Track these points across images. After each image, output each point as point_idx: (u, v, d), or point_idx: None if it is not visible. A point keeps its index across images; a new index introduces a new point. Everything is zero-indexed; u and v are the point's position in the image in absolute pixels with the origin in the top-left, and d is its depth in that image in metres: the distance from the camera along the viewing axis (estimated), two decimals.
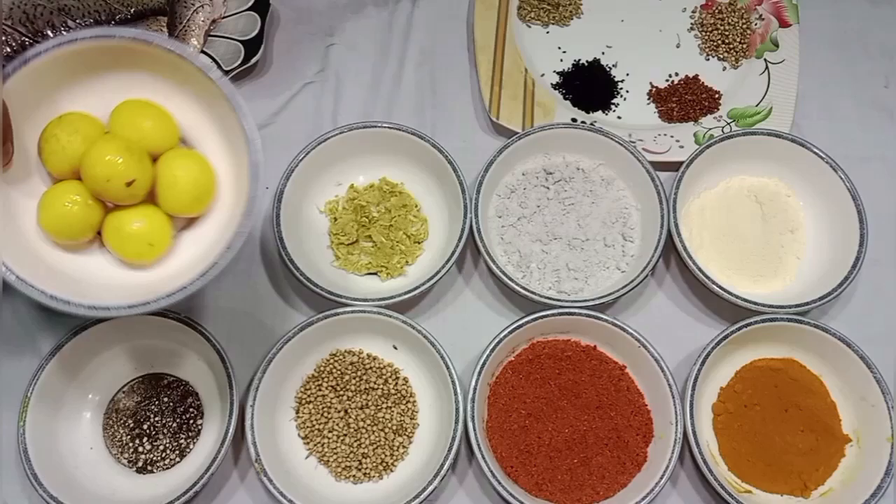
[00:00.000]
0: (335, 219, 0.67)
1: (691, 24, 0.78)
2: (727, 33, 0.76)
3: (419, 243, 0.66)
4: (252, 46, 0.71)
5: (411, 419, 0.60)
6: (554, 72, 0.75)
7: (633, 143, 0.67)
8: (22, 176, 0.45)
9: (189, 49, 0.46)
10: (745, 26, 0.76)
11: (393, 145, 0.67)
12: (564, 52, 0.76)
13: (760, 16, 0.76)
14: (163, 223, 0.46)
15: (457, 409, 0.56)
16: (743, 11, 0.76)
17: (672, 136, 0.70)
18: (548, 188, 0.67)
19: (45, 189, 0.46)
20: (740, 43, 0.75)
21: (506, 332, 0.58)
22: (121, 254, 0.47)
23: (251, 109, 0.71)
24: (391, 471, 0.59)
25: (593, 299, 0.61)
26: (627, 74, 0.75)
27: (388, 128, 0.66)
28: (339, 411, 0.60)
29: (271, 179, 0.65)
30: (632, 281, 0.61)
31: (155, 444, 0.59)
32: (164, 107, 0.47)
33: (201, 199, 0.47)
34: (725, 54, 0.75)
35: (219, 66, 0.71)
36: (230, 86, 0.46)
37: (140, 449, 0.59)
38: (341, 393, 0.60)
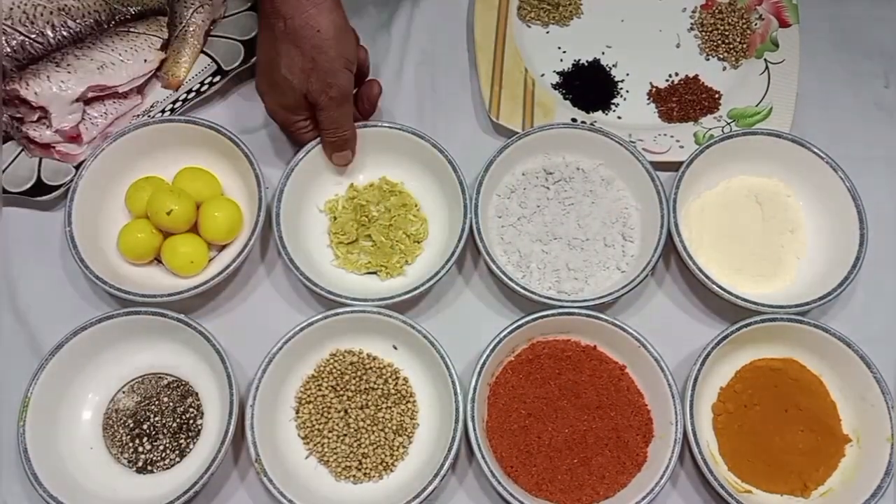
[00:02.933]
0: (335, 218, 0.66)
1: (691, 24, 0.78)
2: (727, 33, 0.76)
3: (419, 243, 0.66)
4: (252, 46, 0.71)
5: (411, 419, 0.60)
6: (554, 72, 0.75)
7: (633, 143, 0.67)
8: (112, 216, 0.67)
9: (235, 137, 0.66)
10: (745, 26, 0.76)
11: (393, 144, 0.67)
12: (564, 52, 0.76)
13: (760, 16, 0.76)
14: (202, 248, 0.64)
15: (457, 409, 0.56)
16: (743, 11, 0.76)
17: (672, 136, 0.70)
18: (548, 188, 0.67)
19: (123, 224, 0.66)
20: (740, 43, 0.75)
21: (506, 332, 0.58)
22: (172, 268, 0.63)
23: (251, 109, 0.73)
24: (391, 471, 0.59)
25: (593, 299, 0.61)
26: (627, 74, 0.75)
27: (389, 127, 0.66)
28: (339, 411, 0.60)
29: (271, 179, 0.65)
30: (632, 281, 0.61)
31: (155, 444, 0.59)
32: (210, 169, 0.67)
33: (232, 231, 0.64)
34: (725, 54, 0.75)
35: (219, 67, 0.71)
36: (250, 153, 0.65)
37: (140, 449, 0.59)
38: (341, 393, 0.60)
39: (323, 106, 0.61)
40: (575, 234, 0.65)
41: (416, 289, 0.60)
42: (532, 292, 0.61)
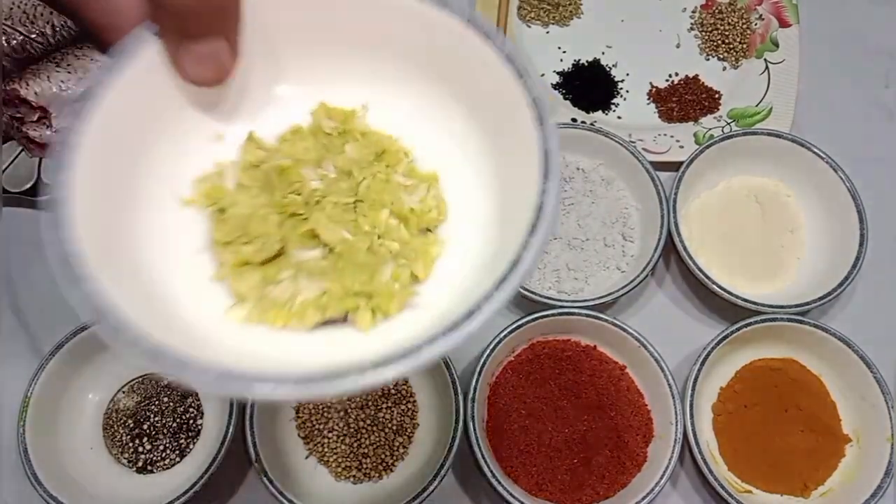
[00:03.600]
0: (221, 211, 0.31)
1: (691, 24, 0.78)
2: (727, 33, 0.76)
3: (431, 231, 0.32)
4: None
5: (411, 419, 0.60)
6: (554, 72, 0.75)
7: (633, 143, 0.68)
8: None
9: None
10: (745, 26, 0.76)
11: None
12: (564, 52, 0.76)
13: (760, 16, 0.76)
14: None
15: (457, 409, 0.56)
16: (743, 11, 0.76)
17: (672, 136, 0.70)
18: None
19: None
20: (740, 43, 0.75)
21: (506, 332, 0.58)
22: None
23: None
24: (391, 471, 0.59)
25: (593, 299, 0.61)
26: (627, 74, 0.75)
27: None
28: (338, 411, 0.60)
29: None
30: (632, 281, 0.61)
31: (155, 444, 0.59)
32: None
33: None
34: (725, 54, 0.75)
35: None
36: None
37: (140, 449, 0.59)
38: None
39: None
40: (575, 234, 0.65)
41: None
42: (532, 292, 0.61)
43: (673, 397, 0.57)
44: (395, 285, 0.30)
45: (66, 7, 0.28)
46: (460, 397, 0.57)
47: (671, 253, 0.66)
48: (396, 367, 0.24)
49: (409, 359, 0.24)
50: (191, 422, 0.60)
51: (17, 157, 0.67)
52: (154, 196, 0.30)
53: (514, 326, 0.59)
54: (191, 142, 0.31)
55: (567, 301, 0.61)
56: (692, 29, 0.78)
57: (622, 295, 0.61)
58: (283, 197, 0.30)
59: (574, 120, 0.71)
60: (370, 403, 0.60)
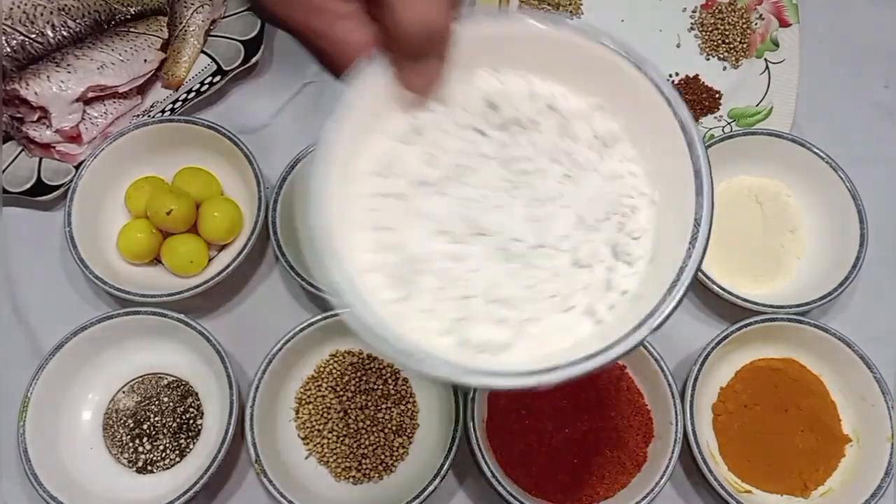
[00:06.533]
0: None
1: (691, 23, 0.78)
2: (727, 33, 0.76)
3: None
4: (252, 46, 0.71)
5: (411, 419, 0.60)
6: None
7: (668, 77, 0.42)
8: (112, 216, 0.65)
9: (235, 137, 0.64)
10: (745, 26, 0.76)
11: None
12: None
13: (760, 15, 0.76)
14: (202, 247, 0.63)
15: (457, 409, 0.56)
16: (743, 11, 0.76)
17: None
18: (485, 136, 0.37)
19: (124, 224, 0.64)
20: (740, 43, 0.75)
21: None
22: (171, 268, 0.63)
23: (251, 109, 0.73)
24: (391, 471, 0.59)
25: (522, 374, 0.31)
26: None
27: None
28: (338, 412, 0.60)
29: (271, 179, 0.65)
30: (611, 346, 0.32)
31: (155, 444, 0.59)
32: (210, 169, 0.66)
33: (232, 231, 0.64)
34: (725, 54, 0.75)
35: (219, 67, 0.71)
36: (250, 153, 0.64)
37: (140, 449, 0.59)
38: (341, 393, 0.60)
39: None
40: (520, 233, 0.35)
41: None
42: (397, 342, 0.31)
43: (673, 397, 0.57)
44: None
45: (300, 37, 0.35)
46: (460, 397, 0.57)
47: None
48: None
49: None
50: (191, 422, 0.60)
51: (17, 157, 0.68)
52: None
53: None
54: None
55: (475, 370, 0.32)
56: (692, 29, 0.78)
57: (578, 375, 0.31)
58: None
59: None
60: (370, 404, 0.60)
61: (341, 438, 0.59)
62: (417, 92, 0.36)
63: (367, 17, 0.34)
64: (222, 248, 0.65)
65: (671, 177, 0.36)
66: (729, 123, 0.71)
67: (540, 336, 0.34)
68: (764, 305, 0.60)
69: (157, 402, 0.60)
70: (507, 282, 0.35)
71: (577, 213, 0.36)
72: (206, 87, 0.70)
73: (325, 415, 0.59)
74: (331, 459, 0.58)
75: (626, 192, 0.37)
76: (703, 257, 0.34)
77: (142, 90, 0.71)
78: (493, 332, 0.34)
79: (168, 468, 0.58)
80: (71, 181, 0.64)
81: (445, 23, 0.33)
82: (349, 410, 0.59)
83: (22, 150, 0.68)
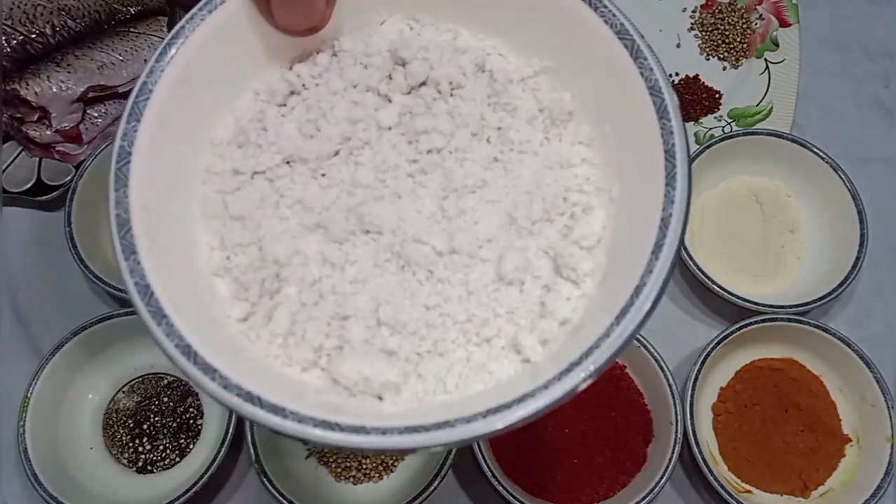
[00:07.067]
0: None
1: (691, 24, 0.78)
2: (727, 33, 0.76)
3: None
4: None
5: None
6: None
7: (628, 33, 0.27)
8: None
9: None
10: (745, 26, 0.76)
11: None
12: None
13: (760, 15, 0.76)
14: None
15: None
16: (743, 11, 0.76)
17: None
18: (386, 99, 0.30)
19: None
20: (740, 43, 0.75)
21: None
22: None
23: None
24: (391, 471, 0.59)
25: (398, 430, 0.23)
26: None
27: None
28: None
29: None
30: (542, 387, 0.23)
31: (155, 444, 0.59)
32: None
33: None
34: (726, 54, 0.75)
35: None
36: None
37: (140, 449, 0.59)
38: None
39: None
40: (423, 234, 0.27)
41: None
42: (224, 378, 0.23)
43: (673, 397, 0.57)
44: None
45: None
46: None
47: None
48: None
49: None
50: (191, 422, 0.60)
51: (17, 156, 0.68)
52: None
53: None
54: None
55: (349, 426, 0.23)
56: (692, 29, 0.78)
57: (481, 437, 0.23)
58: None
59: None
60: None
61: None
62: (288, 27, 0.27)
63: None
64: None
65: (635, 164, 0.27)
66: (729, 123, 0.71)
67: (440, 376, 0.25)
68: (764, 305, 0.60)
69: (157, 402, 0.60)
70: (402, 299, 0.25)
71: (506, 209, 0.27)
72: None
73: None
74: (331, 459, 0.58)
75: (576, 184, 0.28)
76: (669, 273, 0.24)
77: None
78: (376, 367, 0.24)
79: (168, 468, 0.58)
80: (71, 181, 0.64)
81: None
82: None
83: (22, 150, 0.68)
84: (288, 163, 0.27)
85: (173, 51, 0.25)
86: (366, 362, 0.24)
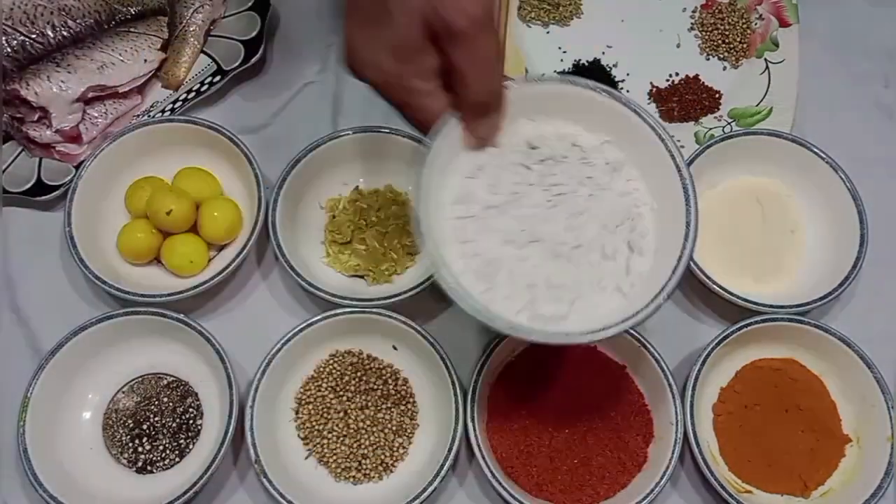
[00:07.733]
0: (333, 216, 0.66)
1: (691, 23, 0.78)
2: (727, 33, 0.76)
3: (412, 255, 0.64)
4: (252, 46, 0.71)
5: (411, 420, 0.60)
6: (554, 72, 0.75)
7: (660, 122, 0.51)
8: (112, 216, 0.66)
9: (235, 137, 0.65)
10: (745, 26, 0.76)
11: (403, 153, 0.65)
12: (564, 52, 0.76)
13: (760, 15, 0.76)
14: (202, 248, 0.64)
15: (457, 409, 0.56)
16: (743, 11, 0.76)
17: (672, 136, 0.70)
18: (529, 169, 0.50)
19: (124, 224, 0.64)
20: (740, 43, 0.75)
21: None
22: (171, 268, 0.64)
23: (251, 109, 0.73)
24: (391, 471, 0.59)
25: (577, 333, 0.46)
26: (628, 74, 0.75)
27: (401, 136, 0.65)
28: (338, 412, 0.59)
29: (271, 179, 0.65)
30: (637, 313, 0.46)
31: (155, 444, 0.59)
32: (210, 169, 0.67)
33: (232, 231, 0.64)
34: (725, 54, 0.75)
35: (219, 66, 0.71)
36: (250, 153, 0.65)
37: (140, 449, 0.59)
38: (341, 394, 0.60)
39: (459, 32, 0.41)
40: (562, 238, 0.48)
41: (410, 290, 0.60)
42: (494, 318, 0.45)
43: (673, 397, 0.57)
44: (387, 272, 0.65)
45: (398, 108, 0.47)
46: (460, 397, 0.57)
47: None
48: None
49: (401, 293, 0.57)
50: (191, 422, 0.60)
51: (17, 156, 0.68)
52: (311, 203, 0.67)
53: None
54: (332, 183, 0.67)
55: (541, 332, 0.46)
56: (692, 29, 0.78)
57: (619, 332, 0.45)
58: (357, 219, 0.66)
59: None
60: (370, 404, 0.60)
61: (341, 438, 0.59)
62: (485, 139, 0.48)
63: (442, 92, 0.46)
64: (222, 248, 0.65)
65: (666, 191, 0.49)
66: (729, 123, 0.71)
67: (586, 309, 0.47)
68: (764, 305, 0.60)
69: (156, 403, 0.60)
70: (559, 273, 0.48)
71: (601, 221, 0.49)
72: (206, 87, 0.70)
73: (324, 415, 0.59)
74: (331, 460, 0.58)
75: (633, 203, 0.51)
76: (693, 248, 0.47)
77: (142, 90, 0.71)
78: (553, 308, 0.47)
79: (168, 468, 0.58)
80: (71, 181, 0.64)
81: (503, 88, 0.46)
82: (349, 410, 0.59)
83: (22, 150, 0.68)
84: (486, 209, 0.48)
85: (430, 147, 0.47)
86: (548, 306, 0.47)
